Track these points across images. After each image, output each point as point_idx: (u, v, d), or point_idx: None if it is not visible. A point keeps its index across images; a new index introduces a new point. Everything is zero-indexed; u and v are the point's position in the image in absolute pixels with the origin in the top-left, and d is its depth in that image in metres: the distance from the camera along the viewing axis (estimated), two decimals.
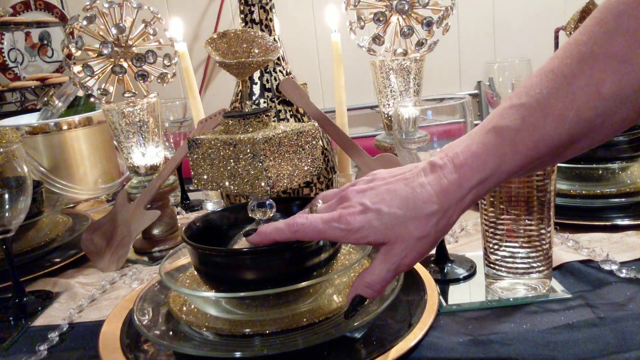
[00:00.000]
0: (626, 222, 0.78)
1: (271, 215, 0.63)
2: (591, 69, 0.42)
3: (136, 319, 0.59)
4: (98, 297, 0.77)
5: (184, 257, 0.67)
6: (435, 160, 0.48)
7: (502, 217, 0.60)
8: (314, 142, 0.63)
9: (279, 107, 0.86)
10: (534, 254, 0.61)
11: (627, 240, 0.74)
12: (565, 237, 0.76)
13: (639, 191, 0.83)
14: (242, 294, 0.55)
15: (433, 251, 0.73)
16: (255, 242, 0.54)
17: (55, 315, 0.72)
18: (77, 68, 0.84)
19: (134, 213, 0.86)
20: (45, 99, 1.30)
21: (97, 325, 0.65)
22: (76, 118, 1.19)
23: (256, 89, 0.86)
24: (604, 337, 0.53)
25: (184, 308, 0.61)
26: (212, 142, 0.58)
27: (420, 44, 0.89)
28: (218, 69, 2.60)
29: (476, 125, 0.49)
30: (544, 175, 0.58)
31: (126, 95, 0.87)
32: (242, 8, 0.85)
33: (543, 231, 0.60)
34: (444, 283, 0.68)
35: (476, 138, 0.47)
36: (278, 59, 0.88)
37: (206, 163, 0.60)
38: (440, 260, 0.71)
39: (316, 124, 0.64)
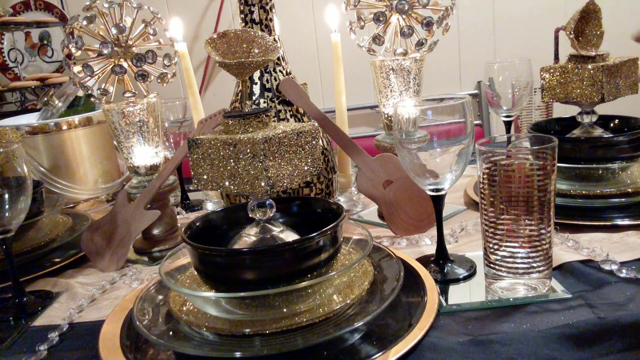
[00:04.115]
0: (626, 222, 0.78)
1: (271, 215, 0.63)
2: None
3: (136, 319, 0.59)
4: (98, 297, 0.77)
5: (184, 257, 0.67)
6: None
7: (502, 217, 0.60)
8: (314, 142, 0.63)
9: (279, 107, 0.86)
10: (534, 254, 0.61)
11: (627, 240, 0.74)
12: (565, 237, 0.76)
13: (639, 191, 0.83)
14: (242, 294, 0.55)
15: (433, 251, 0.73)
16: None
17: (55, 315, 0.72)
18: (77, 68, 0.84)
19: (134, 213, 0.86)
20: (45, 99, 1.30)
21: (97, 325, 0.65)
22: (76, 118, 1.18)
23: (256, 89, 0.86)
24: (604, 337, 0.53)
25: (184, 308, 0.61)
26: (212, 142, 0.58)
27: (420, 44, 0.89)
28: (218, 69, 2.60)
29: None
30: (544, 175, 0.58)
31: (126, 95, 0.87)
32: (242, 8, 0.85)
33: (543, 231, 0.60)
34: (444, 283, 0.68)
35: None
36: (278, 59, 0.88)
37: (206, 163, 0.60)
38: (440, 260, 0.71)
39: (316, 124, 0.64)
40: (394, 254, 0.68)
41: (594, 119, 0.92)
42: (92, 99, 0.87)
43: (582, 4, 0.87)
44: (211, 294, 0.59)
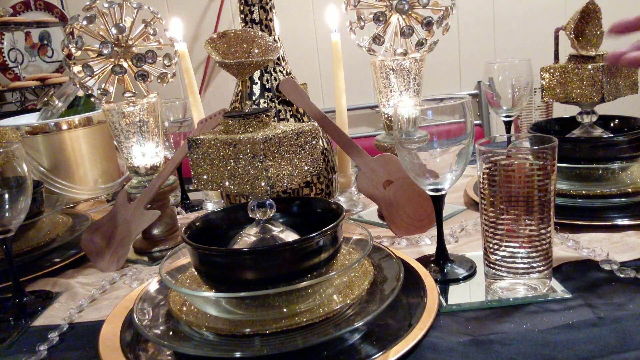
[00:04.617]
0: (626, 222, 0.78)
1: (271, 215, 0.63)
2: None
3: (136, 319, 0.59)
4: (98, 297, 0.77)
5: (184, 257, 0.67)
6: None
7: (502, 217, 0.60)
8: (314, 142, 0.63)
9: (279, 107, 0.86)
10: (534, 254, 0.61)
11: (627, 240, 0.74)
12: (565, 237, 0.76)
13: (639, 191, 0.83)
14: (242, 294, 0.55)
15: (433, 251, 0.73)
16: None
17: (55, 315, 0.72)
18: (77, 68, 0.84)
19: (134, 213, 0.86)
20: (45, 99, 1.30)
21: (97, 325, 0.65)
22: (76, 118, 1.18)
23: (256, 89, 0.86)
24: (604, 337, 0.53)
25: (184, 308, 0.61)
26: (212, 142, 0.58)
27: (420, 44, 0.89)
28: (218, 69, 2.60)
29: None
30: (544, 175, 0.58)
31: (126, 95, 0.87)
32: (242, 8, 0.85)
33: (543, 231, 0.60)
34: (444, 283, 0.68)
35: None
36: (278, 59, 0.88)
37: (206, 163, 0.60)
38: (440, 260, 0.71)
39: (316, 124, 0.64)
40: (394, 254, 0.68)
41: (594, 119, 0.92)
42: (92, 99, 0.87)
43: (582, 4, 0.87)
44: (211, 294, 0.59)
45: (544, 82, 0.91)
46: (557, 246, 0.74)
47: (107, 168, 1.25)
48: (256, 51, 0.63)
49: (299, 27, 2.47)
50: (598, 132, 0.92)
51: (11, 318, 0.72)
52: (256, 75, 0.87)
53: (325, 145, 0.90)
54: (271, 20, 0.86)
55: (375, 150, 0.91)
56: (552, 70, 0.90)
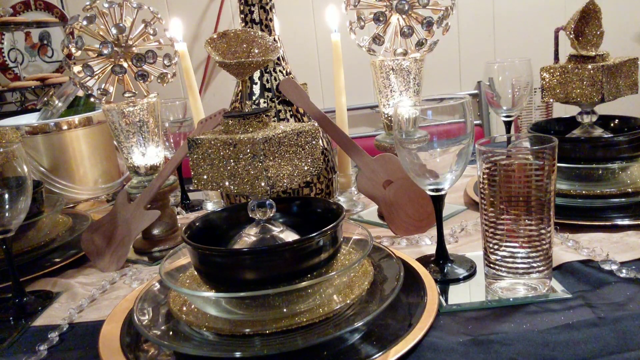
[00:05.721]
0: (626, 222, 0.78)
1: (271, 215, 0.63)
2: None
3: (136, 319, 0.59)
4: (98, 297, 0.77)
5: (184, 257, 0.67)
6: None
7: (502, 217, 0.60)
8: (314, 142, 0.63)
9: (279, 107, 0.86)
10: (534, 254, 0.61)
11: (627, 240, 0.74)
12: (565, 237, 0.76)
13: (639, 191, 0.83)
14: (242, 294, 0.55)
15: (433, 251, 0.73)
16: None
17: (55, 315, 0.72)
18: (77, 68, 0.84)
19: (134, 213, 0.86)
20: (45, 99, 1.30)
21: (97, 325, 0.66)
22: (76, 118, 1.18)
23: (256, 89, 0.86)
24: (604, 337, 0.53)
25: (184, 308, 0.61)
26: (212, 142, 0.58)
27: (420, 44, 0.89)
28: (218, 69, 2.60)
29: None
30: (543, 175, 0.58)
31: (126, 95, 0.87)
32: (242, 8, 0.85)
33: (543, 231, 0.60)
34: (444, 283, 0.68)
35: None
36: (278, 59, 0.88)
37: (206, 163, 0.60)
38: (440, 260, 0.71)
39: (316, 124, 0.64)
40: (394, 254, 0.68)
41: (594, 119, 0.92)
42: (92, 99, 0.87)
43: (582, 4, 0.87)
44: (211, 294, 0.59)
45: (544, 82, 0.91)
46: (557, 246, 0.74)
47: (107, 168, 1.25)
48: (256, 51, 0.63)
49: (299, 27, 2.47)
50: (598, 132, 0.92)
51: (11, 318, 0.72)
52: (256, 75, 0.87)
53: (325, 145, 0.90)
54: (271, 20, 0.86)
55: (375, 150, 0.91)
56: (552, 70, 0.90)
